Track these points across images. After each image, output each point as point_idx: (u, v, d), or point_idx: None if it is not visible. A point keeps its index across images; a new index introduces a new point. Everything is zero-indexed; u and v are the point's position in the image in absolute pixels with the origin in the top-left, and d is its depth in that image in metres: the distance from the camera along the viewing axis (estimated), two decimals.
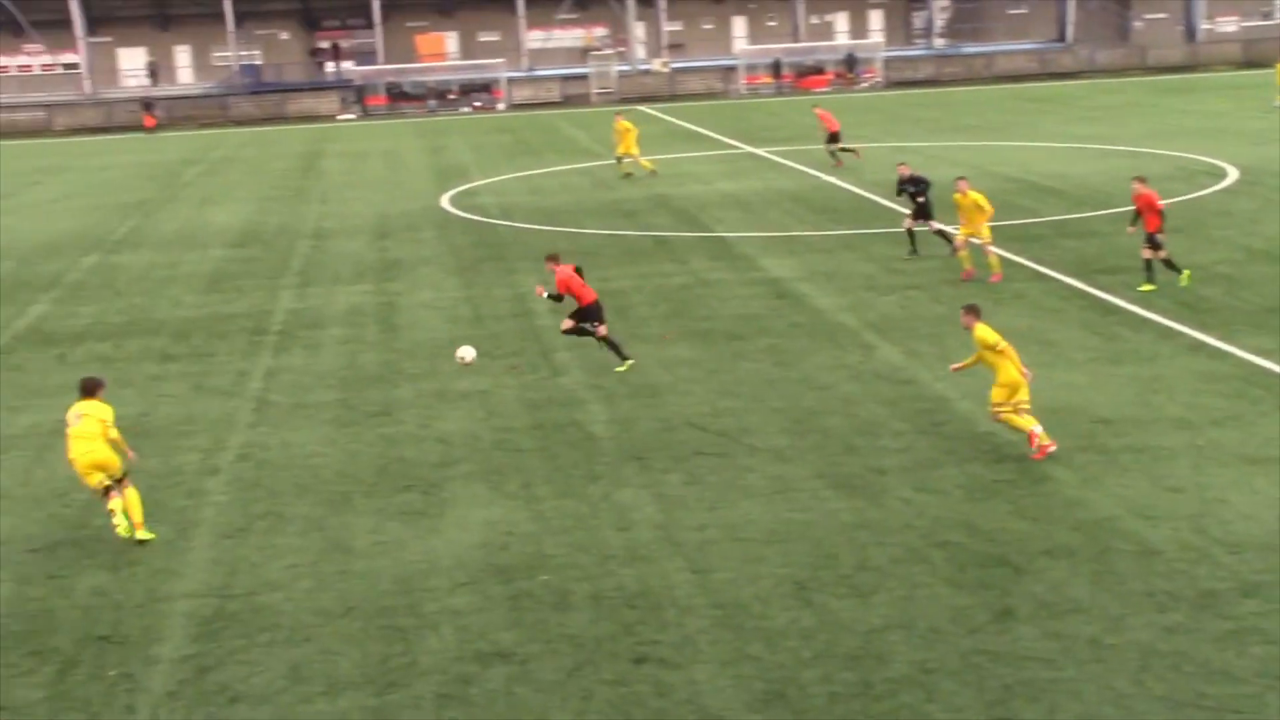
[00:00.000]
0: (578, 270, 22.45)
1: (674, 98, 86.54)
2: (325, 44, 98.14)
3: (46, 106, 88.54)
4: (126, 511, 15.83)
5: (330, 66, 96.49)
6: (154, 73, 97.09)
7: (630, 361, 22.32)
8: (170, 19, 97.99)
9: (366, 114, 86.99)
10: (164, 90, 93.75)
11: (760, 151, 51.74)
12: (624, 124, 46.64)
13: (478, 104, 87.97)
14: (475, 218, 39.60)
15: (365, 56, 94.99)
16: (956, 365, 18.87)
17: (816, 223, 35.66)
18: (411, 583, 14.47)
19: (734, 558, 14.71)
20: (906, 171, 30.07)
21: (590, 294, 22.28)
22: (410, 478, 17.78)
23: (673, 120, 70.88)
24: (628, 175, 45.95)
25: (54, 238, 40.14)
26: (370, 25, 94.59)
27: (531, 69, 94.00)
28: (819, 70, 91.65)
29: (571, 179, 46.98)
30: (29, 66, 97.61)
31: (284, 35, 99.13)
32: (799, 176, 44.74)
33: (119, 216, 44.11)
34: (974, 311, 17.76)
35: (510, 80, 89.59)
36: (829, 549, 14.82)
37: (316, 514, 16.65)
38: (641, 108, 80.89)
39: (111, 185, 53.93)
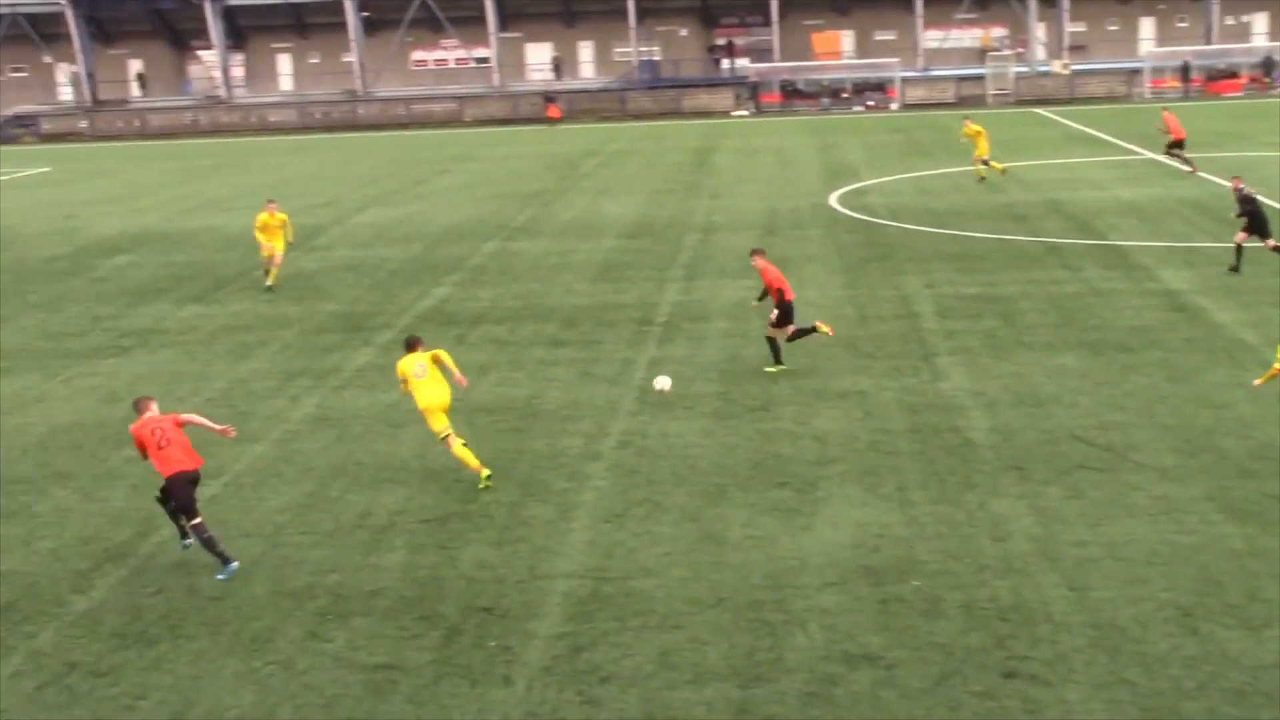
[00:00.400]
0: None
1: (1072, 100, 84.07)
2: (722, 41, 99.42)
3: (458, 98, 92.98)
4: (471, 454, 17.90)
5: (725, 63, 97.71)
6: (558, 67, 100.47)
7: (782, 367, 22.86)
8: (576, 15, 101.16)
9: (760, 111, 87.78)
10: (566, 84, 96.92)
11: (1162, 158, 49.70)
12: (974, 127, 46.13)
13: (870, 103, 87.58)
14: (863, 217, 39.44)
15: (761, 54, 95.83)
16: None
17: (1219, 233, 33.95)
18: (781, 579, 14.54)
19: (1114, 577, 14.21)
20: (1239, 187, 29.05)
21: (790, 293, 22.94)
22: (785, 474, 17.87)
23: (1069, 124, 68.85)
24: (1004, 172, 45.29)
25: (459, 223, 42.08)
26: (768, 23, 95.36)
27: (927, 69, 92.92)
28: (1232, 74, 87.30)
29: (962, 181, 46.23)
30: (444, 60, 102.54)
31: (683, 32, 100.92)
32: (1201, 184, 42.76)
33: (519, 205, 45.87)
34: None
35: (904, 80, 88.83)
36: (1216, 576, 14.14)
37: (692, 504, 16.92)
38: (1038, 110, 78.97)
39: (513, 175, 56.11)
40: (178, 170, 65.73)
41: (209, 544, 15.23)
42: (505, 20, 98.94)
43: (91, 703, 12.56)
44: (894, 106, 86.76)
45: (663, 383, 20.94)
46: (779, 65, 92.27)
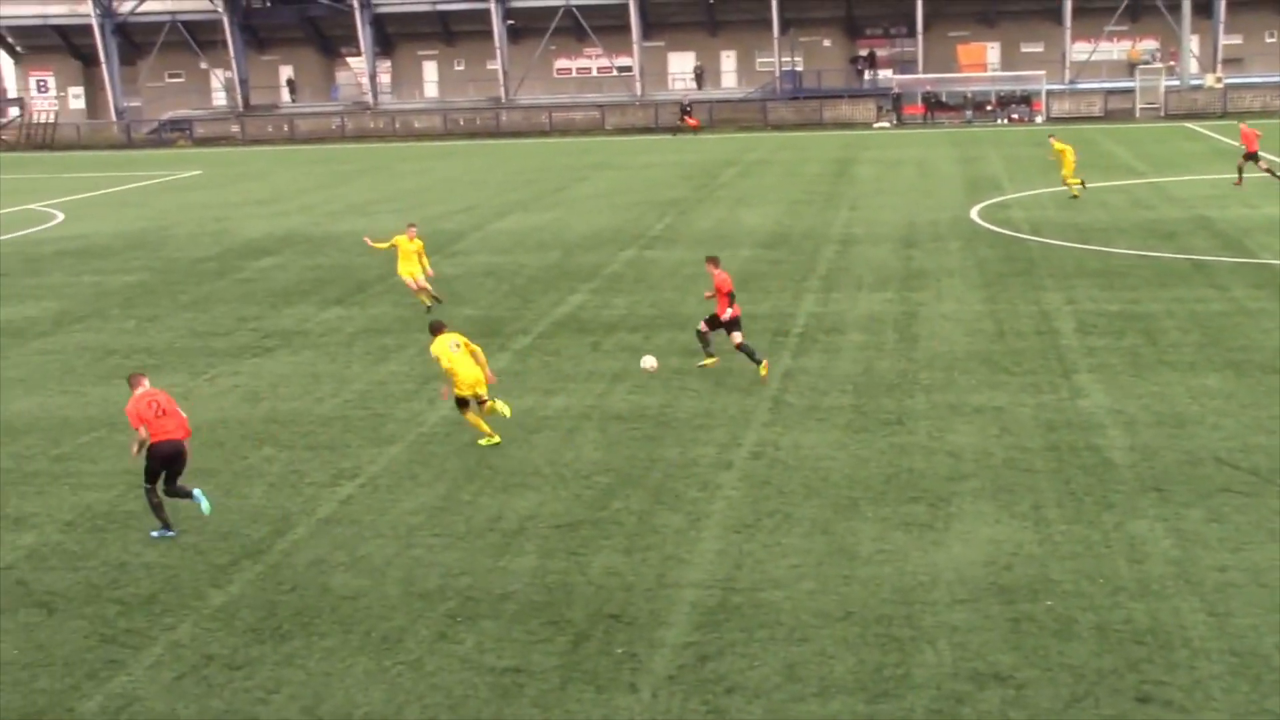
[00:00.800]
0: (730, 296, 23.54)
1: (1225, 115, 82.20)
2: (864, 52, 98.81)
3: (600, 107, 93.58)
4: (483, 421, 20.08)
5: (868, 74, 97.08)
6: (699, 76, 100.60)
7: (715, 360, 23.64)
8: (719, 25, 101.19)
9: (901, 122, 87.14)
10: (707, 94, 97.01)
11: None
12: (1060, 145, 45.96)
13: (1014, 116, 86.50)
14: (1004, 231, 38.95)
15: (905, 65, 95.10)
16: None
17: None
18: (911, 594, 14.40)
19: (1256, 603, 13.85)
20: None
21: (728, 311, 23.37)
22: (918, 489, 17.70)
23: (1219, 139, 67.34)
24: (1077, 196, 44.66)
25: (596, 231, 42.32)
26: (913, 34, 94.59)
27: (1073, 82, 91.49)
28: None
29: (1108, 196, 45.45)
30: (587, 69, 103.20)
31: (826, 42, 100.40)
32: None
33: (656, 213, 46.01)
34: None
35: (1050, 93, 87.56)
36: None
37: (823, 517, 16.83)
38: (1188, 125, 77.41)
39: (652, 183, 56.28)
40: (324, 174, 66.99)
41: (156, 509, 16.89)
42: (648, 29, 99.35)
43: (227, 695, 12.82)
44: (1039, 120, 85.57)
45: (648, 362, 22.78)
46: (922, 77, 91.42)
